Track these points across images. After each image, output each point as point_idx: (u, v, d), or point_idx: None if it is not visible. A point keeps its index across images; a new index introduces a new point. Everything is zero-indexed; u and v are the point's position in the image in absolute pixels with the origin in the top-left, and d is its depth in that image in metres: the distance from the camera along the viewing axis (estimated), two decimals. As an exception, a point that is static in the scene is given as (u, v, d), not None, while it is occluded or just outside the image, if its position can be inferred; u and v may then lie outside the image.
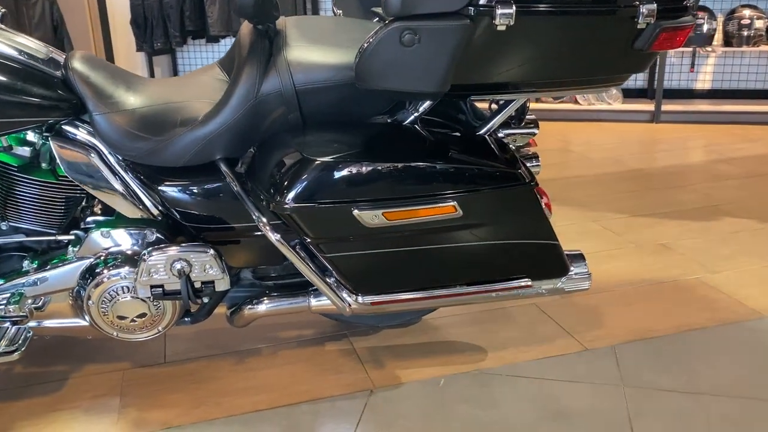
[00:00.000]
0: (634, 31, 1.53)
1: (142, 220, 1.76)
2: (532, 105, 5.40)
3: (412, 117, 1.71)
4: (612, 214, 3.15)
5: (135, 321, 1.75)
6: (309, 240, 1.60)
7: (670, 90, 5.26)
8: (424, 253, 1.66)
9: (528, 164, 1.93)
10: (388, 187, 1.55)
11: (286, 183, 1.52)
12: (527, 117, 1.96)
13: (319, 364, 1.99)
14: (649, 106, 5.09)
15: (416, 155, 1.58)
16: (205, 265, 1.68)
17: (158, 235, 1.75)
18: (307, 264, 1.63)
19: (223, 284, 1.71)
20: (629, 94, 5.30)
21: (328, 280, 1.68)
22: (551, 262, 1.75)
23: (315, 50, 1.66)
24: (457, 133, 1.75)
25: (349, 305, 1.69)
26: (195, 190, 1.70)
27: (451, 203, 1.57)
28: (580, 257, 1.84)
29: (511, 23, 1.41)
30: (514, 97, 1.68)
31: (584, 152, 4.29)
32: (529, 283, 1.76)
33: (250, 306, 1.82)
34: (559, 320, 2.20)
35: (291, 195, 1.52)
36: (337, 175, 1.52)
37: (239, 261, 1.80)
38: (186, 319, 1.85)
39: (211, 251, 1.69)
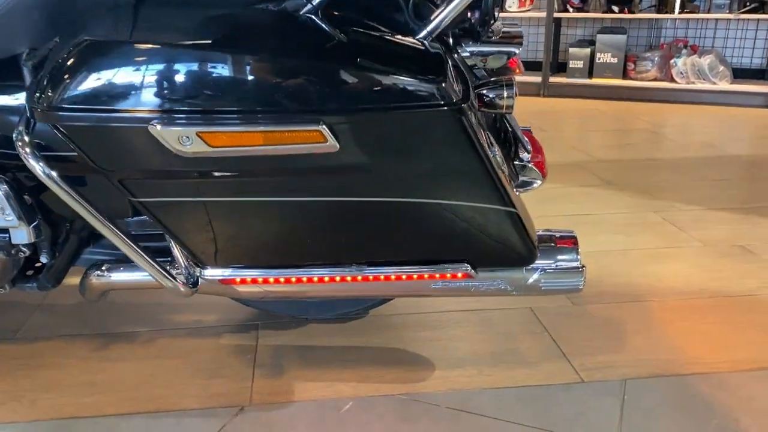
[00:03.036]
0: None
1: None
2: (615, 80, 4.57)
3: (307, 6, 1.12)
4: (681, 205, 2.39)
5: (-69, 281, 1.28)
6: (107, 175, 1.05)
7: (794, 70, 4.32)
8: (297, 211, 1.08)
9: (499, 93, 1.29)
10: (208, 90, 0.97)
11: (52, 78, 0.98)
12: (507, 30, 1.32)
13: (197, 363, 1.45)
14: (764, 88, 4.17)
15: (270, 48, 0.99)
16: (-8, 206, 1.18)
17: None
18: (95, 211, 1.08)
19: (20, 235, 1.20)
20: (741, 75, 4.38)
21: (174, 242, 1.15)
22: (504, 240, 1.11)
23: None
24: (374, 34, 1.14)
25: (184, 282, 1.14)
26: (-10, 98, 1.20)
27: (317, 127, 0.97)
28: (569, 240, 1.21)
29: None
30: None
31: (670, 134, 3.49)
32: (469, 271, 1.13)
33: (98, 272, 1.31)
34: (554, 333, 1.54)
35: (56, 96, 0.97)
36: (129, 66, 0.96)
37: (65, 207, 1.29)
38: (31, 284, 1.37)
39: (4, 186, 1.18)
